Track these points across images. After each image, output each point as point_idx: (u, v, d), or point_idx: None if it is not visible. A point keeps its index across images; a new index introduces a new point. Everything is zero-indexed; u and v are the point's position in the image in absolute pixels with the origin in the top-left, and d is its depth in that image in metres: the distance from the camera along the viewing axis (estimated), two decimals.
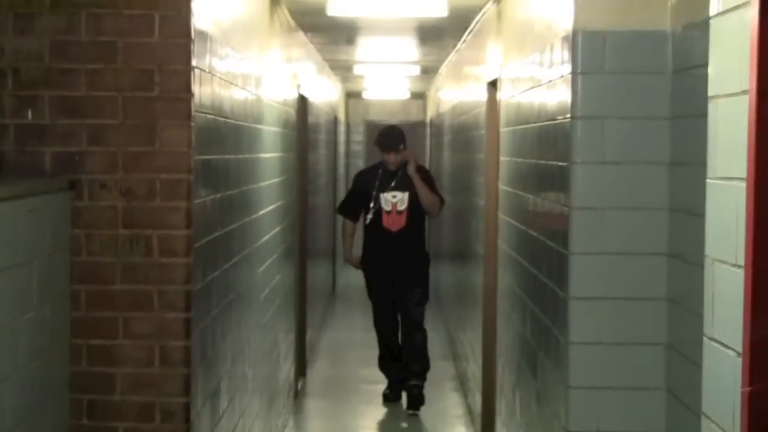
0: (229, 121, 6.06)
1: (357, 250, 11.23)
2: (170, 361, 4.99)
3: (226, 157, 6.03)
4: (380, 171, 10.73)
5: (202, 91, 5.17)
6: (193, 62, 4.97)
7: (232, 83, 6.13)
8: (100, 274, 4.94)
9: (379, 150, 10.71)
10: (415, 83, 19.24)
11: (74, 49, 4.91)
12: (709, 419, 2.78)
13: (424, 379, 10.82)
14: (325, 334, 14.93)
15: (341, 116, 20.35)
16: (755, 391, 2.46)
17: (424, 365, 10.84)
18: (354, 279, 20.31)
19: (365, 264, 10.98)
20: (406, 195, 10.55)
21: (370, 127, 23.94)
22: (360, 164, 24.15)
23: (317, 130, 13.92)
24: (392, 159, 10.57)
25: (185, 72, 4.94)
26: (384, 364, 11.18)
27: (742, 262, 2.53)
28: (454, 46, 12.44)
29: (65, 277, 4.87)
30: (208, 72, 5.36)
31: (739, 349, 2.54)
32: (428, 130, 21.26)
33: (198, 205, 5.13)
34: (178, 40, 4.92)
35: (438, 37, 11.64)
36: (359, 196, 10.85)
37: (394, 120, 23.89)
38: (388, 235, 10.64)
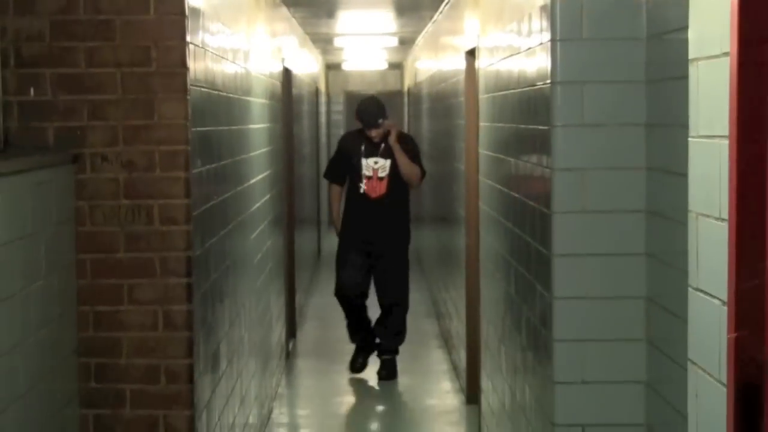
0: (221, 93, 6.08)
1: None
2: (173, 325, 5.02)
3: (220, 128, 6.05)
4: (364, 137, 10.12)
5: (196, 65, 5.19)
6: (188, 38, 4.99)
7: (223, 57, 6.14)
8: (104, 243, 4.97)
9: (362, 124, 10.08)
10: (392, 54, 19.25)
11: (73, 28, 4.91)
12: (695, 365, 2.82)
13: (397, 352, 10.47)
14: (313, 298, 14.97)
15: (322, 87, 20.34)
16: (740, 337, 2.50)
17: (399, 341, 10.47)
18: (336, 243, 20.37)
19: (343, 228, 10.34)
20: (388, 162, 9.96)
21: (350, 97, 23.94)
22: (341, 133, 24.18)
23: (300, 102, 13.93)
24: (374, 134, 9.99)
25: (180, 47, 4.96)
26: (353, 332, 10.61)
27: (725, 215, 2.57)
28: (431, 18, 12.44)
29: (71, 247, 4.90)
30: (202, 47, 5.37)
31: (724, 297, 2.58)
32: (406, 99, 21.27)
33: (195, 174, 5.16)
34: (173, 16, 4.94)
35: (415, 8, 11.65)
36: (344, 159, 10.22)
37: (372, 90, 23.90)
38: (367, 202, 10.01)
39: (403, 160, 9.93)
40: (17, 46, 4.90)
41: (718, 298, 2.65)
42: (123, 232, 4.98)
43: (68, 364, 4.86)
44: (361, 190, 9.98)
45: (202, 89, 5.40)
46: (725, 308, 2.58)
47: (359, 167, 9.99)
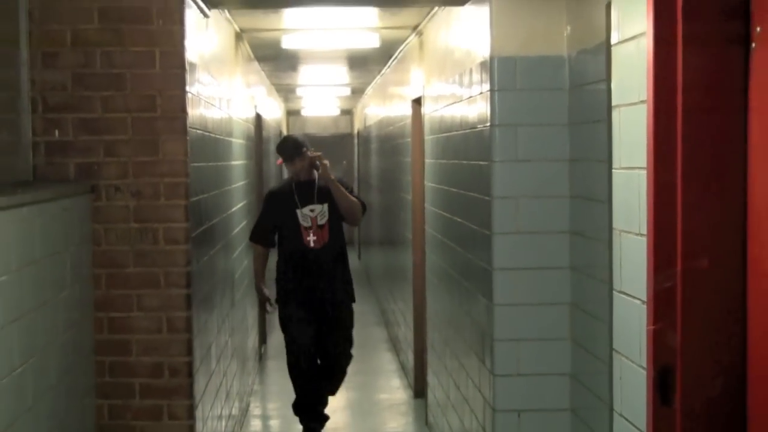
0: (211, 135, 6.17)
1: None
2: (175, 329, 5.06)
3: (210, 164, 6.14)
4: (294, 186, 7.82)
5: (193, 111, 5.25)
6: (187, 88, 5.05)
7: (212, 104, 6.23)
8: (117, 260, 5.02)
9: (284, 162, 7.87)
10: (344, 102, 19.32)
11: (91, 80, 4.96)
12: (620, 354, 2.96)
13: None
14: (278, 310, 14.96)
15: (284, 130, 20.40)
16: (658, 328, 2.65)
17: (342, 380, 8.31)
18: None
19: (281, 292, 7.91)
20: (326, 207, 7.75)
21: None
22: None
23: (268, 142, 13.98)
24: (297, 167, 7.76)
25: (181, 96, 5.01)
26: (301, 410, 8.10)
27: (644, 231, 2.71)
28: (379, 71, 12.55)
29: (89, 263, 4.95)
30: (197, 95, 5.46)
31: (644, 297, 2.72)
32: (356, 140, 21.36)
33: (193, 202, 5.23)
34: (175, 70, 4.99)
35: (365, 63, 11.72)
36: (274, 218, 7.88)
37: (326, 132, 23.97)
38: (309, 255, 7.72)
39: (342, 194, 7.75)
40: (44, 95, 4.95)
41: (638, 299, 2.79)
42: (132, 251, 5.03)
43: (87, 361, 4.90)
44: (309, 244, 7.71)
45: (198, 131, 5.48)
46: (644, 306, 2.72)
47: (295, 220, 7.73)
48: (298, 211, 7.73)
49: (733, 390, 2.65)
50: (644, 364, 2.72)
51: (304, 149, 7.79)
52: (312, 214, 7.76)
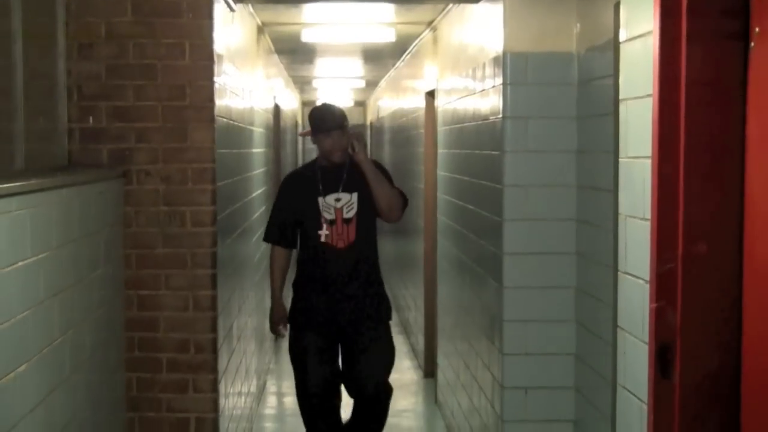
0: (235, 123, 6.29)
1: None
2: (201, 307, 5.18)
3: (234, 151, 6.26)
4: (318, 170, 6.00)
5: (219, 101, 5.37)
6: (214, 79, 5.17)
7: (236, 94, 6.35)
8: (146, 241, 5.13)
9: (316, 135, 5.92)
10: (358, 93, 19.42)
11: (124, 70, 5.06)
12: (624, 330, 3.07)
13: None
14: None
15: (299, 120, 20.52)
16: (659, 307, 2.77)
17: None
18: None
19: (292, 309, 6.04)
20: (355, 197, 5.89)
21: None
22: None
23: (285, 132, 14.12)
24: (334, 144, 5.86)
25: (209, 87, 5.12)
26: None
27: (648, 216, 2.83)
28: (393, 65, 12.64)
29: (120, 244, 5.07)
30: (223, 86, 5.58)
31: (647, 278, 2.84)
32: (369, 131, 21.45)
33: (219, 187, 5.34)
34: (203, 62, 5.10)
35: (380, 57, 11.82)
36: (290, 208, 5.99)
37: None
38: (331, 257, 5.86)
39: (381, 182, 5.91)
40: (79, 85, 5.05)
41: (642, 279, 2.91)
42: (161, 233, 5.13)
43: (118, 337, 5.02)
44: (322, 239, 5.86)
45: (223, 119, 5.60)
46: (647, 286, 2.84)
47: (316, 211, 5.89)
48: (320, 200, 5.88)
49: (729, 365, 2.76)
50: (646, 340, 2.83)
51: (347, 123, 5.98)
52: (337, 205, 5.89)
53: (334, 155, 5.92)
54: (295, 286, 6.06)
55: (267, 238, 6.10)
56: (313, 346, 5.88)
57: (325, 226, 5.89)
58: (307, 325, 5.91)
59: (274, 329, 6.11)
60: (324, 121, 5.90)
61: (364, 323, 5.89)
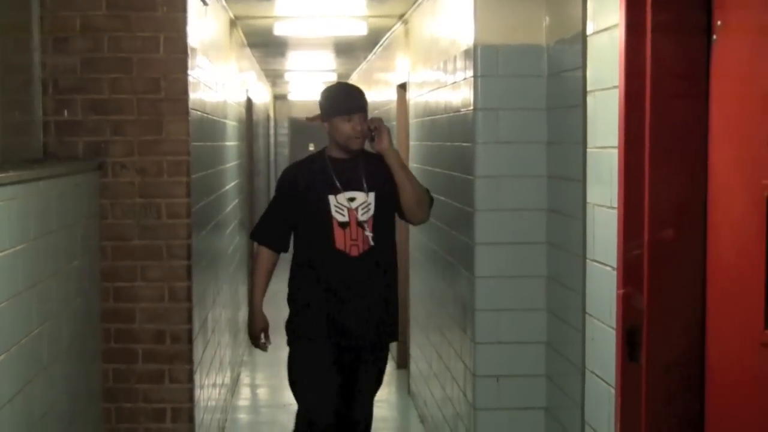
0: (209, 116, 6.33)
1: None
2: (176, 298, 5.21)
3: (209, 144, 6.31)
4: (329, 162, 5.09)
5: (194, 94, 5.40)
6: (189, 72, 5.20)
7: (210, 88, 6.40)
8: (122, 233, 5.16)
9: (332, 118, 5.05)
10: None
11: (99, 63, 5.09)
12: (592, 316, 3.16)
13: None
14: None
15: (271, 114, 20.55)
16: (626, 292, 2.85)
17: None
18: None
19: (293, 325, 5.18)
20: (372, 196, 5.02)
21: (293, 122, 24.10)
22: (285, 153, 24.17)
23: (257, 125, 14.15)
24: (355, 129, 5.00)
25: (183, 80, 5.15)
26: None
27: (615, 204, 2.91)
28: (365, 57, 12.69)
29: (96, 236, 5.10)
30: (197, 79, 5.62)
31: (614, 264, 2.92)
32: None
33: (194, 179, 5.38)
34: (178, 55, 5.13)
35: (352, 50, 11.85)
36: (292, 206, 5.10)
37: (312, 114, 23.98)
38: (343, 266, 4.99)
39: (410, 177, 5.14)
40: (55, 77, 5.08)
41: (609, 266, 2.99)
42: (137, 224, 5.17)
43: (95, 328, 5.06)
44: (344, 249, 4.98)
45: (198, 112, 5.63)
46: (614, 272, 2.92)
47: (325, 212, 4.99)
48: (332, 199, 5.00)
49: (695, 347, 2.85)
50: (614, 325, 2.91)
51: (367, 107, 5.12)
52: (352, 205, 5.01)
53: (353, 143, 5.02)
54: (294, 297, 5.18)
55: (256, 237, 5.21)
56: (317, 367, 5.00)
57: (336, 230, 4.98)
58: (311, 344, 5.03)
59: (255, 341, 5.35)
60: (345, 101, 5.00)
61: (374, 350, 5.10)
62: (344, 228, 4.99)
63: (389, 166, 5.08)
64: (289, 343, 5.19)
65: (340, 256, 4.97)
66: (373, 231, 5.01)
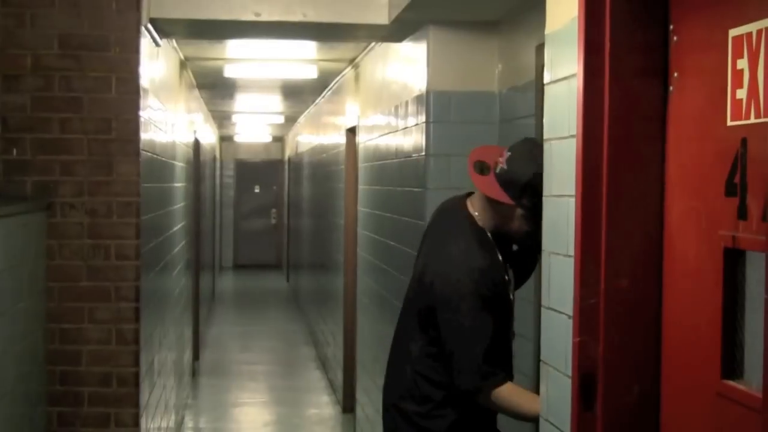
0: (159, 157, 6.30)
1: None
2: (124, 340, 5.16)
3: (158, 185, 6.26)
4: (496, 249, 3.82)
5: (145, 134, 5.38)
6: (140, 113, 5.19)
7: (160, 129, 6.37)
8: (70, 274, 5.11)
9: (523, 203, 3.72)
10: (276, 129, 19.46)
11: (50, 102, 5.06)
12: (547, 364, 3.15)
13: None
14: (209, 329, 15.06)
15: (218, 155, 20.49)
16: (582, 341, 2.84)
17: None
18: (227, 285, 20.39)
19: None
20: (511, 272, 3.90)
21: (239, 164, 24.08)
22: (231, 194, 24.09)
23: (204, 166, 14.10)
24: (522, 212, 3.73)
25: (135, 120, 5.14)
26: None
27: (571, 252, 2.91)
28: (314, 101, 12.72)
29: (43, 276, 5.05)
30: (148, 120, 5.59)
31: (570, 312, 2.91)
32: (287, 167, 21.48)
33: (144, 220, 5.35)
34: (129, 95, 5.12)
35: (301, 93, 11.90)
36: (496, 317, 3.74)
37: (257, 158, 24.01)
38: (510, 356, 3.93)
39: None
40: (4, 116, 5.03)
41: (564, 314, 2.98)
42: (86, 266, 5.13)
43: (40, 370, 4.99)
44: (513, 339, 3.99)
45: (148, 153, 5.60)
46: (570, 320, 2.92)
47: (509, 316, 3.92)
48: (511, 293, 3.93)
49: (649, 396, 2.85)
50: (569, 373, 2.90)
51: None
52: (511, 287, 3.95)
53: (513, 227, 3.83)
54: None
55: (488, 375, 3.69)
56: None
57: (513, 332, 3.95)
58: None
59: None
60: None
61: None
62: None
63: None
64: None
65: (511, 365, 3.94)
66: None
